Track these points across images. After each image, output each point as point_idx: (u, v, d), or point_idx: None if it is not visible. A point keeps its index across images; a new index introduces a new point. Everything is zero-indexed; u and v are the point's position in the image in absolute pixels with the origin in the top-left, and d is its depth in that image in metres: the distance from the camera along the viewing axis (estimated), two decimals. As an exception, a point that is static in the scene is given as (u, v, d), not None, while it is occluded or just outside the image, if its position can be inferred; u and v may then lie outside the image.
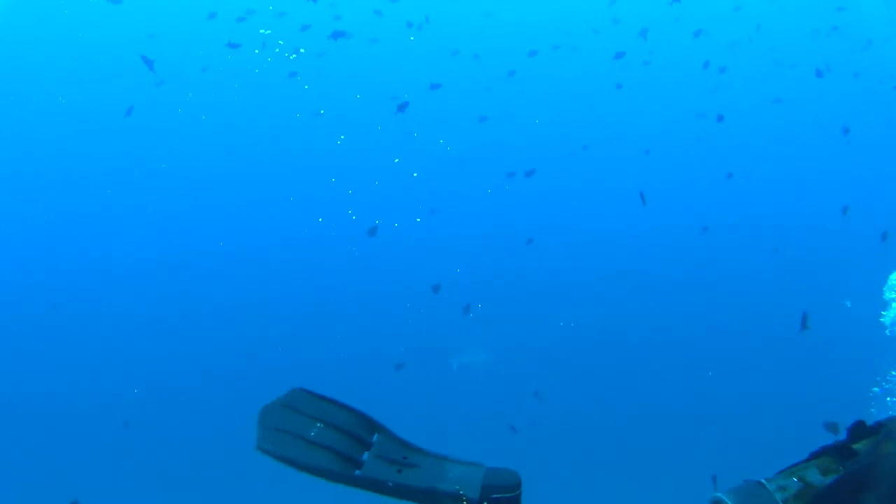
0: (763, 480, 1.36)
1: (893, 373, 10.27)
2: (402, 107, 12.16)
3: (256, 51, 18.42)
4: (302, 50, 17.67)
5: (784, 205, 18.57)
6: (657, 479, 11.99)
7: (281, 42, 18.10)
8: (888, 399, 10.15)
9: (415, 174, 18.39)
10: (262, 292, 17.34)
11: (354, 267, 16.95)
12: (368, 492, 1.44)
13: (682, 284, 17.03)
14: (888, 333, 10.15)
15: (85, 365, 15.56)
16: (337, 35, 13.58)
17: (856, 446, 1.37)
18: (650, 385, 14.55)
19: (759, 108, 19.55)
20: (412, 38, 17.83)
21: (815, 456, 1.40)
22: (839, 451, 1.37)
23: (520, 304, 16.44)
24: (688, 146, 19.40)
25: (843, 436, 1.44)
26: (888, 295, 10.10)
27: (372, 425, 1.52)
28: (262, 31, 18.32)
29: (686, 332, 15.78)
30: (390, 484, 1.41)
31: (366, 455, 1.47)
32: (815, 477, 1.35)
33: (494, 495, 1.38)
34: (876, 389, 10.32)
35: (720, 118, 15.75)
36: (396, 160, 18.36)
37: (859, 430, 1.41)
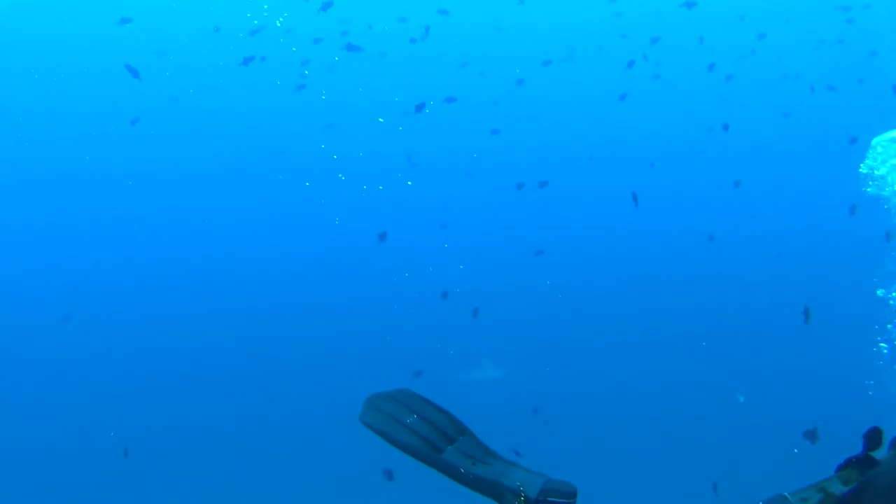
0: (787, 494, 1.47)
1: (889, 327, 10.39)
2: (420, 108, 12.46)
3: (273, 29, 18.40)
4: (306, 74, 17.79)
5: (791, 212, 18.63)
6: (659, 487, 12.05)
7: (294, 49, 18.26)
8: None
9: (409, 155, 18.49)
10: (273, 298, 17.45)
11: (364, 272, 17.10)
12: (443, 474, 1.70)
13: (688, 293, 17.09)
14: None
15: (92, 380, 15.58)
16: (350, 48, 13.78)
17: (877, 456, 1.48)
18: (656, 393, 14.61)
19: (765, 116, 19.65)
20: (419, 51, 18.00)
21: (840, 469, 1.50)
22: (861, 463, 1.48)
23: (529, 314, 16.53)
24: (695, 156, 19.50)
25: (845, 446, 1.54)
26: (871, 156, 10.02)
27: (461, 428, 1.78)
28: (278, 21, 18.35)
29: (692, 341, 15.82)
30: (462, 471, 1.65)
31: (449, 448, 1.73)
32: (836, 487, 1.45)
33: (550, 498, 1.57)
34: (883, 345, 10.39)
35: (726, 127, 15.84)
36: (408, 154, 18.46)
37: (875, 438, 1.51)
